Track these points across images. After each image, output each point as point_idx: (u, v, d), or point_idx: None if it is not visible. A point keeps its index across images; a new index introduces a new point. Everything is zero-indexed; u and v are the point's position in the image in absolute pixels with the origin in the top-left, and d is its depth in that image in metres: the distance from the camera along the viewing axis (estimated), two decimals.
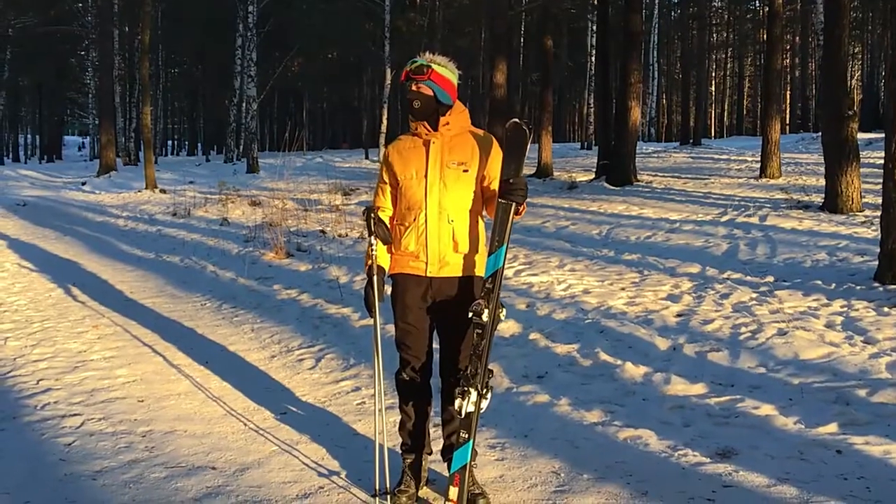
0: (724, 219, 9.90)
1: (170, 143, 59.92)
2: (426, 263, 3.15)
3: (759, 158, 17.98)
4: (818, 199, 10.68)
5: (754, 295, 6.11)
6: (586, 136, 31.95)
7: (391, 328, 3.33)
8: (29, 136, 63.12)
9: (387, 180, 3.29)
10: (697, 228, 9.30)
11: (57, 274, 8.29)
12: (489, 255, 3.10)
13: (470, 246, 3.20)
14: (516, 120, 3.15)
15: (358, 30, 32.35)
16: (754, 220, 9.68)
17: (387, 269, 3.26)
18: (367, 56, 32.84)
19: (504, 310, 3.15)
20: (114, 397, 4.43)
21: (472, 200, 3.21)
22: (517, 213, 3.08)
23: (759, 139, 31.19)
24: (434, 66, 3.19)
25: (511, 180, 3.03)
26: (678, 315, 5.65)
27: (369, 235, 3.15)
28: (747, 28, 43.44)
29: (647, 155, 21.16)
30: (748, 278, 6.74)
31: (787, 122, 44.36)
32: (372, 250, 3.15)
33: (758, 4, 44.84)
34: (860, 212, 9.55)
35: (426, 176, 3.13)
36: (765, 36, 43.80)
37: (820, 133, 23.75)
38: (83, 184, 21.85)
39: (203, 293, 7.27)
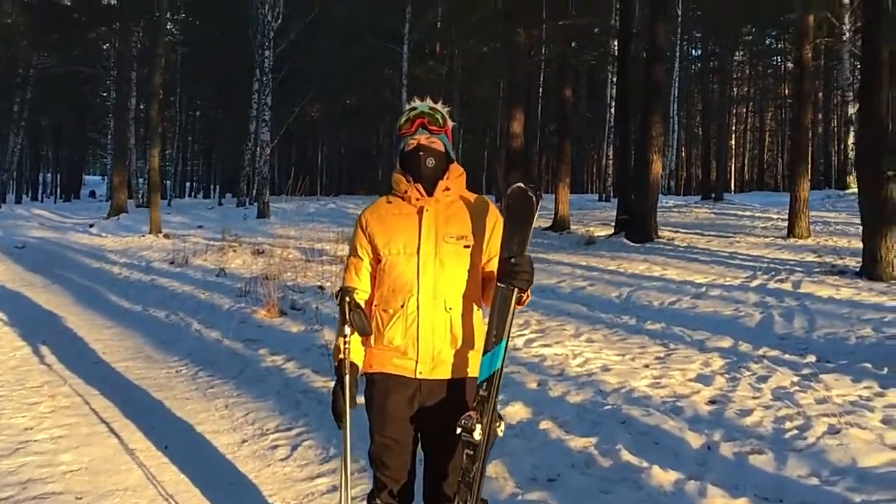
0: (754, 284, 9.18)
1: (188, 184, 60.04)
2: (416, 362, 2.49)
3: (784, 216, 17.27)
4: (854, 263, 9.95)
5: (795, 378, 5.38)
6: (604, 187, 31.36)
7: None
8: (49, 174, 63.47)
9: (363, 255, 2.63)
10: (726, 294, 8.57)
11: (30, 329, 7.69)
12: (484, 352, 2.44)
13: (466, 340, 2.54)
14: (520, 185, 2.50)
15: (376, 76, 32.22)
16: (787, 286, 8.94)
17: (360, 367, 2.61)
18: (384, 103, 32.61)
19: (502, 423, 2.47)
20: (49, 492, 3.76)
21: (471, 283, 2.56)
22: (519, 301, 2.42)
23: (781, 195, 30.50)
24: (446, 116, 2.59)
25: (513, 259, 2.37)
26: (711, 402, 4.93)
27: (342, 324, 2.48)
28: (768, 83, 43.11)
29: (668, 209, 20.50)
30: (787, 357, 6.01)
31: (810, 178, 43.68)
32: (345, 343, 2.50)
33: (779, 60, 44.61)
34: None
35: (418, 251, 2.49)
36: (786, 91, 43.60)
37: (846, 191, 23.14)
38: (90, 226, 21.49)
39: (182, 356, 6.62)
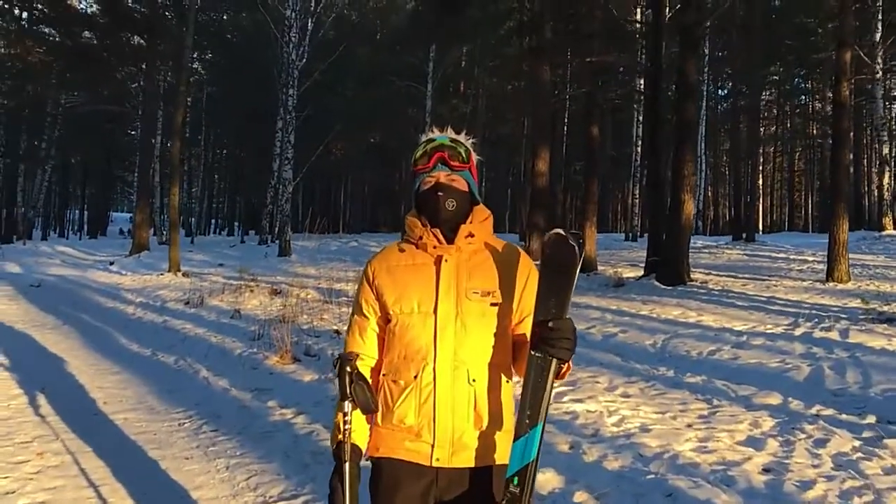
0: (798, 332, 8.59)
1: (213, 221, 60.29)
2: (432, 446, 2.03)
3: (820, 258, 16.66)
4: None
5: (857, 443, 4.83)
6: (630, 226, 30.86)
7: None
8: (77, 212, 64.07)
9: (369, 313, 2.19)
10: (769, 343, 8.00)
11: (31, 374, 7.30)
12: (516, 437, 1.97)
13: (493, 420, 2.08)
14: (559, 231, 2.04)
15: (399, 115, 32.16)
16: (833, 335, 8.35)
17: (364, 450, 2.15)
18: (408, 142, 32.50)
19: None
20: None
21: (499, 350, 2.10)
22: (559, 374, 1.96)
23: (813, 236, 29.78)
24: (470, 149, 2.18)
25: (551, 323, 1.91)
26: (765, 470, 4.39)
27: (342, 399, 2.02)
28: (796, 122, 42.52)
29: (698, 250, 19.92)
30: (844, 416, 5.45)
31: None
32: (345, 421, 2.05)
33: (806, 99, 44.03)
34: None
35: (436, 310, 2.05)
36: (814, 130, 42.94)
37: (883, 233, 22.42)
38: (111, 263, 21.30)
39: (186, 407, 6.18)
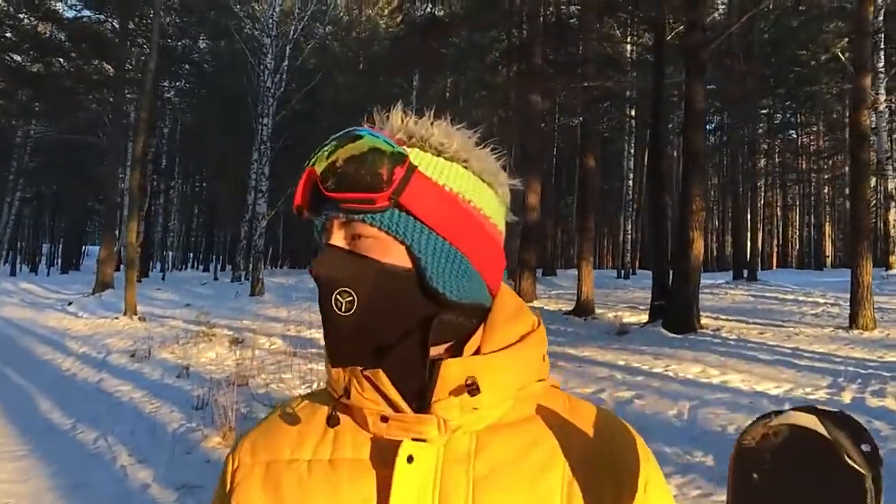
0: (847, 398, 7.25)
1: (191, 254, 58.61)
2: None
3: (832, 300, 15.54)
4: None
5: None
6: (623, 263, 29.62)
7: None
8: (49, 245, 62.23)
9: None
10: None
11: None
12: None
13: None
14: (803, 412, 0.63)
15: None
16: (890, 402, 7.02)
17: None
18: None
19: None
20: None
21: None
22: None
23: (813, 273, 28.68)
24: (415, 158, 0.78)
25: None
26: None
27: None
28: (787, 157, 41.79)
29: (700, 290, 18.62)
30: None
31: (830, 255, 41.88)
32: None
33: (797, 133, 43.26)
34: None
35: None
36: (803, 165, 42.13)
37: (891, 271, 21.25)
38: (69, 304, 19.73)
39: None
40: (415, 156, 0.81)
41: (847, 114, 21.67)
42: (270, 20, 23.04)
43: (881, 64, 21.62)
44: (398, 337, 0.80)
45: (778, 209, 45.57)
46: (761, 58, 26.29)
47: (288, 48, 23.90)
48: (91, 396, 8.37)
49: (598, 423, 0.85)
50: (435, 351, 0.81)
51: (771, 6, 20.27)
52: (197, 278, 33.22)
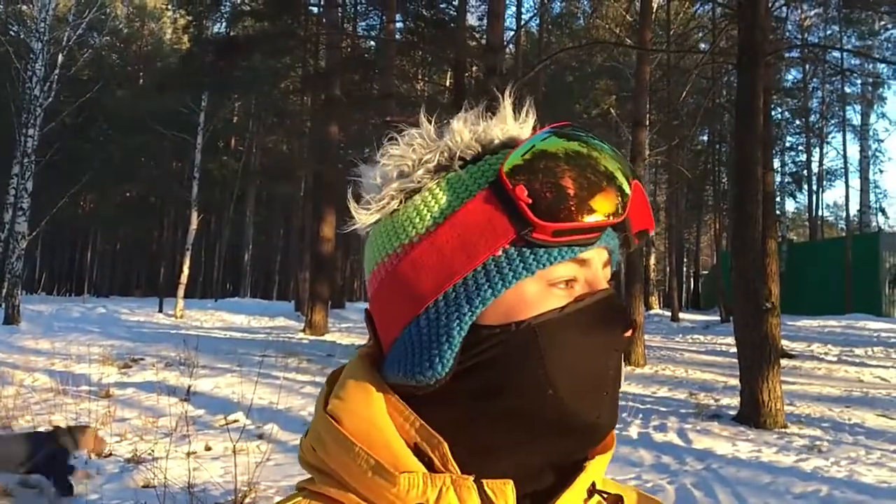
0: (633, 433, 7.73)
1: None
2: None
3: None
4: None
5: None
6: None
7: None
8: None
9: None
10: None
11: None
12: None
13: None
14: None
15: (163, 167, 29.33)
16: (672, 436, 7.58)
17: None
18: (171, 196, 29.59)
19: None
20: None
21: None
22: None
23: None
24: None
25: None
26: None
27: None
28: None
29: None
30: None
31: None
32: None
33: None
34: None
35: None
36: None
37: (650, 311, 23.40)
38: None
39: None
40: None
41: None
42: (42, 24, 21.08)
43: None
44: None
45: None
46: (545, 108, 28.14)
47: (61, 56, 21.99)
48: None
49: None
50: None
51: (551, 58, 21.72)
52: None
